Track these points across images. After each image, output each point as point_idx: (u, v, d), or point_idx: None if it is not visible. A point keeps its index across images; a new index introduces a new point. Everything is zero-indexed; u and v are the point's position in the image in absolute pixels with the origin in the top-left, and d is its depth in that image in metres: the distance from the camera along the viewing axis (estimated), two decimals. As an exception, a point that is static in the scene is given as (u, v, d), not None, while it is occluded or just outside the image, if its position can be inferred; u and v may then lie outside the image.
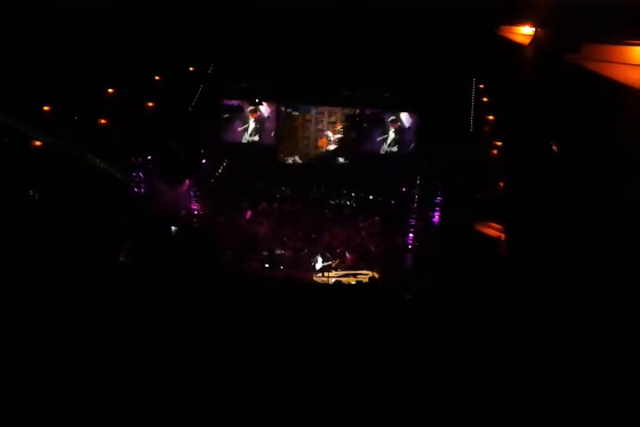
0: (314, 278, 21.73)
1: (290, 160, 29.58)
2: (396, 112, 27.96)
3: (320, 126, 29.05)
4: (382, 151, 28.64)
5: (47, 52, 21.35)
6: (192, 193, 26.72)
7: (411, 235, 24.04)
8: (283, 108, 29.36)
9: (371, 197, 27.55)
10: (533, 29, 19.21)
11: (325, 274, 21.86)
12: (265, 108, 29.67)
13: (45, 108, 21.47)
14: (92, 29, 22.50)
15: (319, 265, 22.26)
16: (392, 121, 28.20)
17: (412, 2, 23.41)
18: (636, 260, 9.09)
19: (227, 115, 30.19)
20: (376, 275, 21.50)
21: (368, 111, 28.22)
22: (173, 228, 24.79)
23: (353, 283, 20.82)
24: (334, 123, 28.73)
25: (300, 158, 29.39)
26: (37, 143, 21.99)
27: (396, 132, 28.37)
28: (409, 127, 28.02)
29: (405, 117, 28.01)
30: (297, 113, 29.28)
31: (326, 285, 20.89)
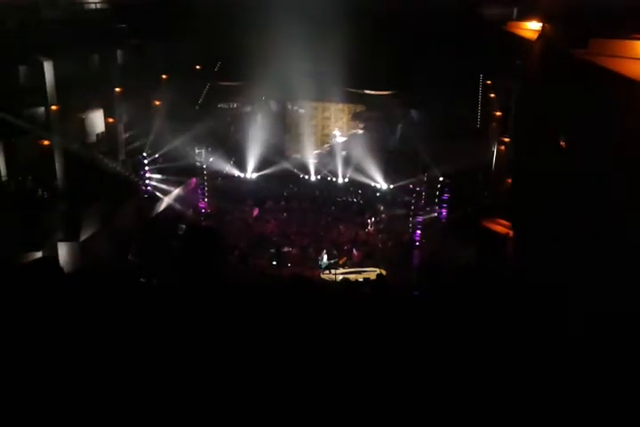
0: (321, 276, 21.71)
1: (297, 156, 29.65)
2: (404, 109, 27.92)
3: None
4: (389, 148, 28.61)
5: (55, 50, 21.41)
6: (199, 191, 26.78)
7: (418, 232, 23.98)
8: (289, 106, 29.42)
9: (378, 195, 27.49)
10: (541, 25, 19.07)
11: (332, 271, 21.85)
12: (271, 106, 29.72)
13: (53, 107, 21.54)
14: (96, 28, 22.53)
15: (324, 262, 22.26)
16: (399, 117, 28.17)
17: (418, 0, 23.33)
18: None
19: (233, 113, 30.31)
20: (383, 272, 21.46)
21: (374, 108, 28.23)
22: (182, 226, 24.84)
23: (360, 280, 20.80)
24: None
25: (307, 153, 29.42)
26: (45, 143, 22.09)
27: (403, 128, 28.32)
28: (416, 124, 27.97)
29: (413, 114, 27.96)
30: (303, 110, 29.33)
31: (333, 282, 20.88)
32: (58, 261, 19.04)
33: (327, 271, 21.89)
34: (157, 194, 25.76)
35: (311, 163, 28.95)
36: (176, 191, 26.62)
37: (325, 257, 22.33)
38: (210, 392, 2.46)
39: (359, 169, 27.75)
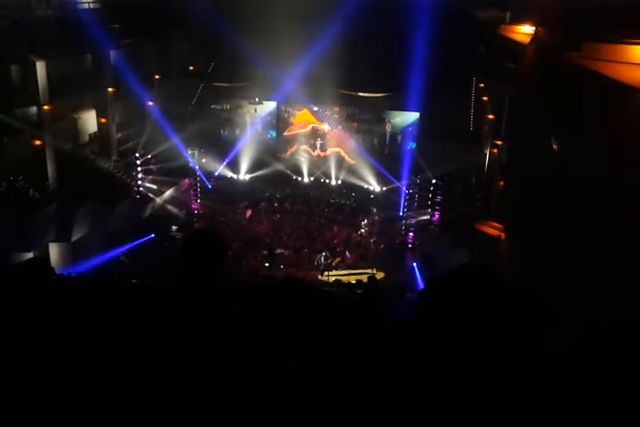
0: (319, 277, 21.71)
1: (290, 157, 29.62)
2: (396, 111, 27.96)
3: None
4: (382, 150, 28.64)
5: (47, 49, 21.33)
6: (192, 192, 26.75)
7: (411, 234, 24.05)
8: (283, 107, 29.38)
9: (371, 197, 27.53)
10: (534, 28, 19.17)
11: (326, 273, 21.85)
12: (265, 107, 29.67)
13: (46, 107, 21.47)
14: (89, 28, 22.43)
15: (322, 264, 22.32)
16: (391, 120, 28.20)
17: (412, 1, 23.36)
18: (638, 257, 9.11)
19: (226, 113, 30.26)
20: (381, 274, 21.47)
21: (367, 110, 28.23)
22: (174, 227, 24.81)
23: (353, 282, 20.79)
24: (333, 116, 28.68)
25: (300, 156, 29.43)
26: (37, 142, 22.00)
27: (394, 130, 28.35)
28: (409, 126, 28.02)
29: (405, 117, 28.00)
30: (297, 112, 29.31)
31: (326, 283, 20.88)
32: (49, 261, 18.91)
33: (326, 273, 21.88)
34: (150, 195, 25.71)
35: (304, 164, 28.98)
36: (168, 192, 26.58)
37: (322, 259, 22.41)
38: (204, 395, 2.45)
39: (352, 171, 27.82)
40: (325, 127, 28.90)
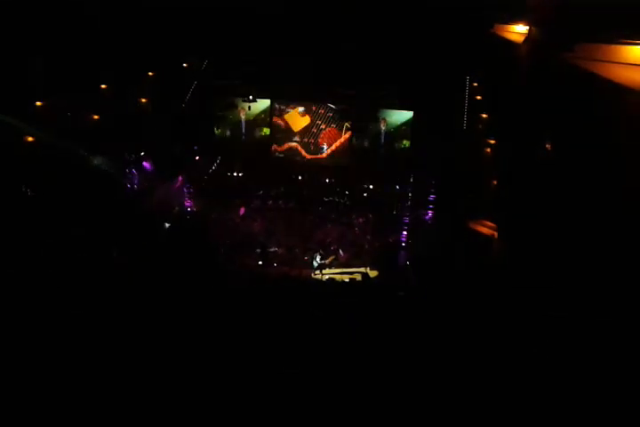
0: (312, 276, 21.78)
1: (283, 156, 29.59)
2: (390, 110, 27.96)
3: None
4: (375, 148, 28.64)
5: (40, 46, 21.19)
6: (185, 190, 26.67)
7: (404, 233, 24.12)
8: (277, 105, 29.32)
9: (365, 195, 27.55)
10: (527, 28, 19.18)
11: (320, 271, 21.89)
12: (259, 105, 29.60)
13: (38, 103, 21.33)
14: (87, 25, 22.32)
15: (316, 263, 22.31)
16: (385, 118, 28.19)
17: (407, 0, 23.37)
18: (631, 259, 9.15)
19: (220, 111, 30.16)
20: (375, 272, 21.56)
21: (361, 108, 28.20)
22: (167, 224, 24.74)
23: (346, 280, 20.84)
24: (327, 114, 28.66)
25: (294, 154, 29.40)
26: (29, 139, 21.86)
27: (388, 129, 28.34)
28: (404, 125, 28.03)
29: (400, 115, 28.00)
30: (291, 110, 29.26)
31: (320, 282, 20.93)
32: (46, 260, 18.87)
33: (318, 271, 21.93)
34: (142, 192, 25.60)
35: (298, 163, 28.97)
36: (162, 190, 26.48)
37: (318, 257, 22.41)
38: (202, 394, 2.44)
39: (346, 169, 27.83)
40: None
